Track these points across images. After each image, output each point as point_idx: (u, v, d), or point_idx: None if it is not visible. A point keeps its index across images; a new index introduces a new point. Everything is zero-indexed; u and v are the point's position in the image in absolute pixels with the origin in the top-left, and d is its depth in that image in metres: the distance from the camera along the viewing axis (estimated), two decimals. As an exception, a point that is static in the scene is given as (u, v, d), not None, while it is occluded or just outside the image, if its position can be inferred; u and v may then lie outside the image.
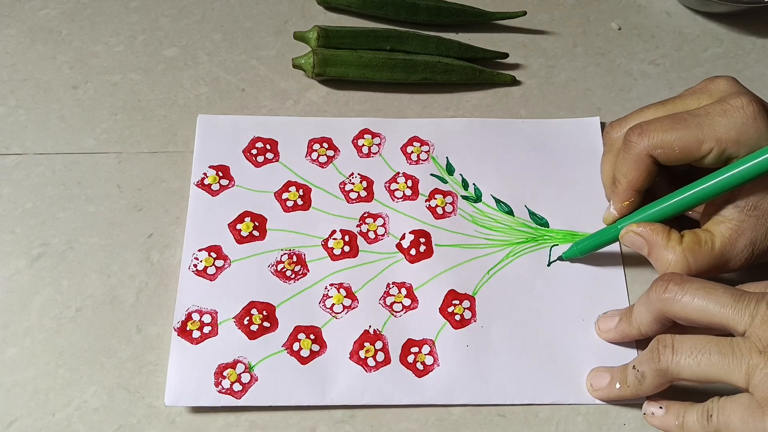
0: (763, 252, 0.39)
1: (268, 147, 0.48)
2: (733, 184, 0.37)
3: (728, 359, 0.33)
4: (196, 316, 0.42)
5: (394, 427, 0.40)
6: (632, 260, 0.45)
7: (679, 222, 0.41)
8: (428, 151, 0.48)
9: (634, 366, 0.38)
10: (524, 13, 0.54)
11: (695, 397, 0.37)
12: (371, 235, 0.45)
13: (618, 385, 0.39)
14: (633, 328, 0.40)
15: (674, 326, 0.38)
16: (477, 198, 0.47)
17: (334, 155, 0.48)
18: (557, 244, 0.45)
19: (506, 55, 0.53)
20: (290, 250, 0.44)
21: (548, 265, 0.44)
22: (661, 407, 0.38)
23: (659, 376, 0.36)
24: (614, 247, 0.45)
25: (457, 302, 0.43)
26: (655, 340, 0.37)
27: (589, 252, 0.44)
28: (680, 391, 0.39)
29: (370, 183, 0.47)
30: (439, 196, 0.46)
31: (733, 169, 0.37)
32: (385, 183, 0.47)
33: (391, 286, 0.43)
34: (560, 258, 0.44)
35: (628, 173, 0.40)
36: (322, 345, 0.41)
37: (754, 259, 0.39)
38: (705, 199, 0.39)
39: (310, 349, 0.41)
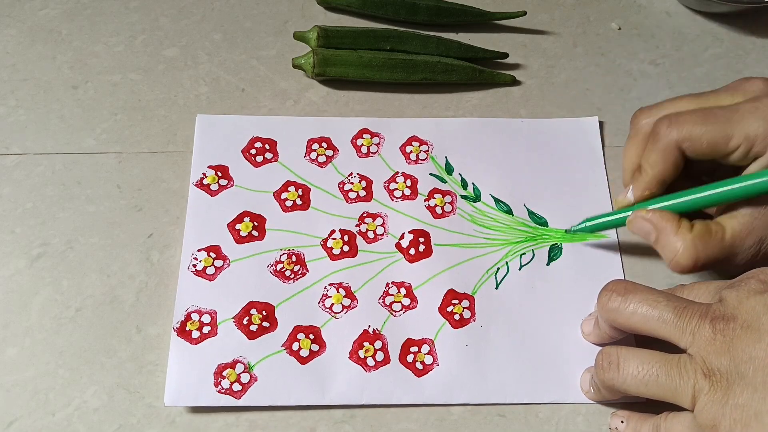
0: None
1: (267, 147, 0.48)
2: (752, 194, 0.37)
3: (675, 381, 0.33)
4: (195, 316, 0.42)
5: (394, 427, 0.40)
6: (631, 260, 0.45)
7: (690, 216, 0.41)
8: (427, 150, 0.48)
9: (592, 375, 0.38)
10: (524, 13, 0.54)
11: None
12: (370, 234, 0.45)
13: (592, 390, 0.39)
14: (603, 334, 0.40)
15: None
16: (476, 197, 0.47)
17: (333, 155, 0.48)
18: (557, 244, 0.45)
19: (506, 55, 0.53)
20: (289, 250, 0.44)
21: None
22: (622, 421, 0.38)
23: (608, 389, 0.37)
24: (614, 247, 0.45)
25: (456, 302, 0.43)
26: (600, 353, 0.36)
27: (598, 230, 0.44)
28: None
29: (369, 183, 0.47)
30: (438, 196, 0.46)
31: (755, 178, 0.37)
32: (384, 183, 0.47)
33: (390, 285, 0.43)
34: (568, 231, 0.45)
35: (656, 164, 0.40)
36: (322, 345, 0.41)
37: (760, 257, 0.39)
38: (721, 201, 0.39)
39: (310, 349, 0.41)
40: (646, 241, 0.41)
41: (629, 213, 0.41)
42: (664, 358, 0.34)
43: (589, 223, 0.44)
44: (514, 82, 0.52)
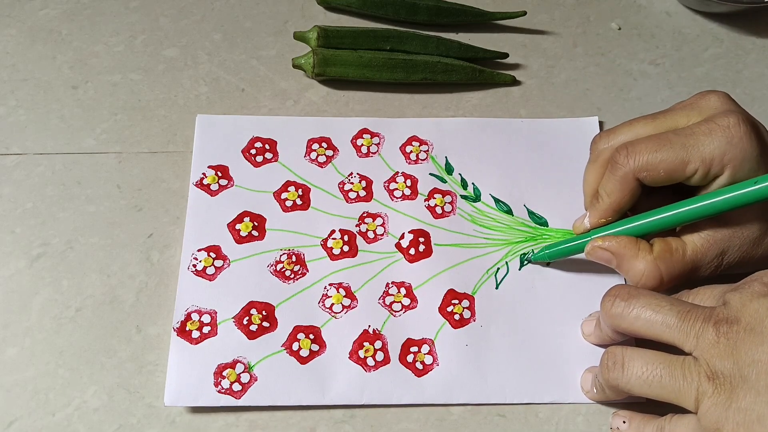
0: (733, 264, 0.39)
1: (267, 147, 0.48)
2: (709, 213, 0.37)
3: (678, 382, 0.33)
4: (195, 316, 0.42)
5: (394, 427, 0.40)
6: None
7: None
8: (427, 150, 0.48)
9: (596, 375, 0.38)
10: (524, 13, 0.54)
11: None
12: (370, 234, 0.45)
13: (595, 390, 0.39)
14: (605, 336, 0.40)
15: None
16: (476, 197, 0.47)
17: (333, 155, 0.48)
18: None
19: (506, 55, 0.53)
20: (289, 249, 0.44)
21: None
22: (624, 421, 0.38)
23: (612, 389, 0.37)
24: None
25: (456, 302, 0.43)
26: (605, 353, 0.36)
27: (557, 258, 0.43)
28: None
29: (369, 183, 0.47)
30: (438, 196, 0.46)
31: (712, 198, 0.37)
32: (384, 182, 0.47)
33: (390, 285, 0.43)
34: (529, 260, 0.44)
35: (612, 193, 0.40)
36: (322, 345, 0.41)
37: (723, 268, 0.39)
38: (679, 223, 0.39)
39: (310, 349, 0.41)
40: (609, 267, 0.41)
41: (588, 239, 0.41)
42: (669, 359, 0.34)
43: (548, 251, 0.43)
44: (514, 82, 0.52)
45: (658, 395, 0.34)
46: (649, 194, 0.40)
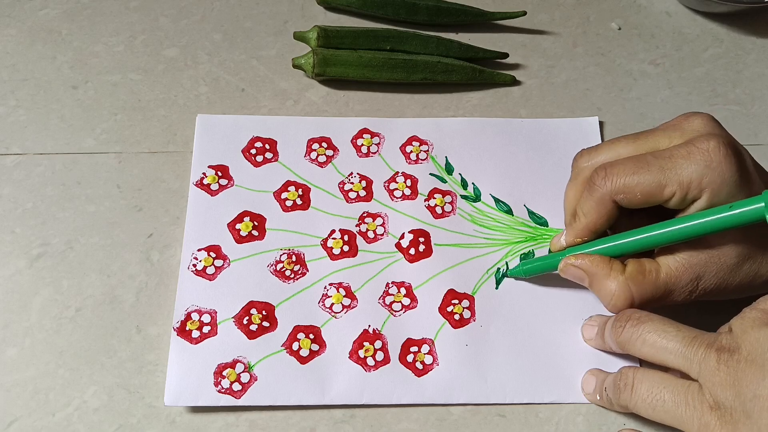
0: (709, 290, 0.38)
1: (267, 147, 0.48)
2: (685, 237, 0.37)
3: (681, 409, 0.34)
4: (195, 316, 0.42)
5: (394, 427, 0.40)
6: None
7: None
8: (427, 150, 0.48)
9: (605, 387, 0.38)
10: (524, 13, 0.54)
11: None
12: (370, 234, 0.45)
13: (598, 396, 0.39)
14: (607, 347, 0.40)
15: None
16: (476, 197, 0.47)
17: (333, 155, 0.48)
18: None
19: (506, 55, 0.53)
20: (289, 249, 0.44)
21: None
22: None
23: (622, 409, 0.37)
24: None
25: (456, 302, 0.43)
26: (618, 373, 0.37)
27: (533, 274, 0.43)
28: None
29: (370, 182, 0.47)
30: (438, 196, 0.46)
31: (688, 221, 0.36)
32: (385, 182, 0.47)
33: (390, 285, 0.43)
34: (505, 275, 0.44)
35: (589, 213, 0.40)
36: (322, 344, 0.41)
37: (698, 294, 0.38)
38: (654, 245, 0.38)
39: (310, 349, 0.41)
40: (582, 285, 0.41)
41: (562, 257, 0.41)
42: (675, 384, 0.34)
43: (524, 267, 0.43)
44: (514, 82, 0.52)
45: (662, 419, 0.35)
46: (630, 215, 0.40)
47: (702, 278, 0.38)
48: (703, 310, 0.43)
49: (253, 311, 0.42)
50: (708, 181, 0.36)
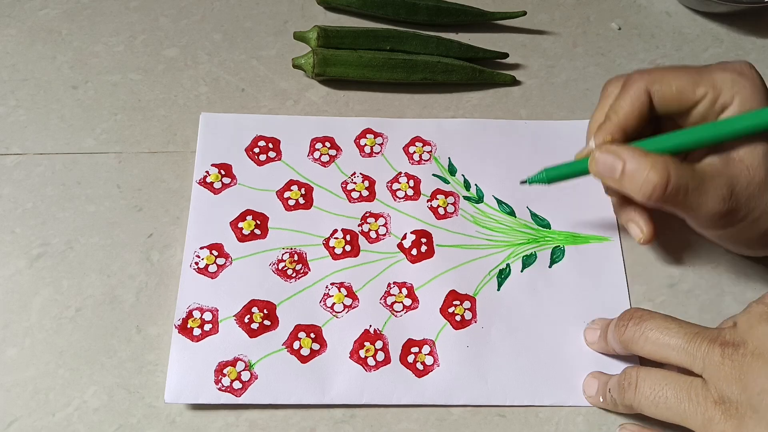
0: (742, 204, 0.37)
1: (270, 146, 0.48)
2: (722, 135, 0.37)
3: (684, 405, 0.34)
4: (196, 314, 0.42)
5: (394, 427, 0.40)
6: (633, 263, 0.45)
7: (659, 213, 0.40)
8: (430, 151, 0.48)
9: (609, 389, 0.38)
10: (524, 13, 0.54)
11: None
12: (372, 234, 0.45)
13: (601, 399, 0.39)
14: (610, 349, 0.40)
15: None
16: (479, 199, 0.47)
17: (336, 154, 0.48)
18: (559, 246, 0.45)
19: (506, 55, 0.53)
20: (291, 248, 0.44)
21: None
22: None
23: (627, 408, 0.37)
24: (616, 249, 0.45)
25: (457, 303, 0.43)
26: (622, 373, 0.37)
27: (556, 180, 0.42)
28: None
29: (372, 182, 0.47)
30: (440, 197, 0.46)
31: (720, 124, 0.37)
32: (387, 183, 0.47)
33: (391, 285, 0.43)
34: (526, 181, 0.43)
35: (621, 109, 0.39)
36: (323, 344, 0.41)
37: (731, 204, 0.37)
38: (691, 145, 0.38)
39: (311, 348, 0.41)
40: (610, 182, 0.38)
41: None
42: (677, 380, 0.34)
43: (548, 173, 0.42)
44: (514, 82, 0.52)
45: (665, 416, 0.34)
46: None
47: (735, 187, 0.37)
48: (704, 309, 0.43)
49: (255, 310, 0.42)
50: (740, 87, 0.37)
